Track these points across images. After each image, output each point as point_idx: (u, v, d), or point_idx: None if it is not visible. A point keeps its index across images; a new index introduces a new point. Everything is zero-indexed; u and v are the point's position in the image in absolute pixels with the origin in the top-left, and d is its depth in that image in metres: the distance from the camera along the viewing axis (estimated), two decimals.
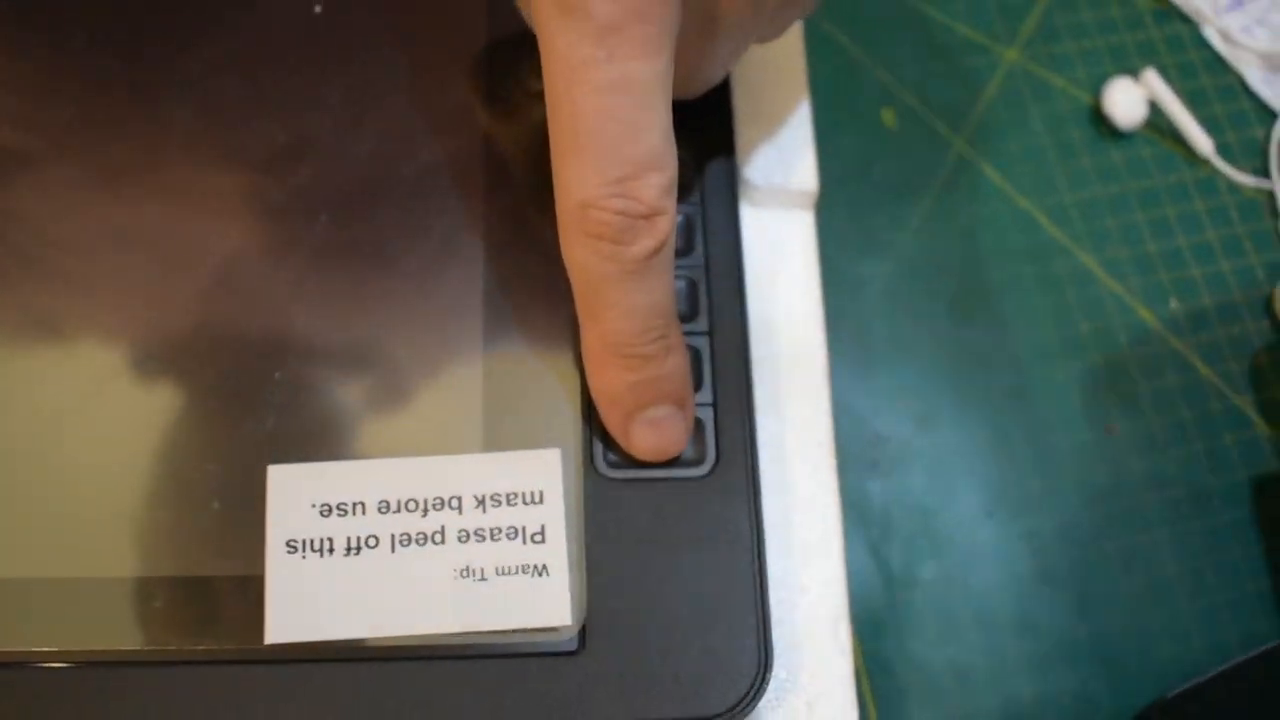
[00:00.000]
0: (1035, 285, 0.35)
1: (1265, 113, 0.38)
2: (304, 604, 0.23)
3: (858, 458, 0.33)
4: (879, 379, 0.34)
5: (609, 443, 0.25)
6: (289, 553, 0.24)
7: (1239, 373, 0.35)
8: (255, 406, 0.25)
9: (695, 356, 0.26)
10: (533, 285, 0.26)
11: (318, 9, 0.29)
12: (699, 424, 0.25)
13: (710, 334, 0.26)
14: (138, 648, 0.23)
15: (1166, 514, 0.33)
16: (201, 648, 0.23)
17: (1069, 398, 0.34)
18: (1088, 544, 0.32)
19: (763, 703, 0.24)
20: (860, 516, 0.32)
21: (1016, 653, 0.31)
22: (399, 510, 0.24)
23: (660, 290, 0.23)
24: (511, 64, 0.28)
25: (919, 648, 0.31)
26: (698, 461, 0.25)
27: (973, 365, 0.34)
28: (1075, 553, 0.32)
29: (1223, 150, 0.38)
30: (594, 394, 0.24)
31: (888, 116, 0.38)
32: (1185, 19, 0.40)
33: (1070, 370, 0.34)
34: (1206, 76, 0.39)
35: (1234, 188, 0.37)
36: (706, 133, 0.29)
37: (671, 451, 0.25)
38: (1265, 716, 0.30)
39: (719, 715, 0.23)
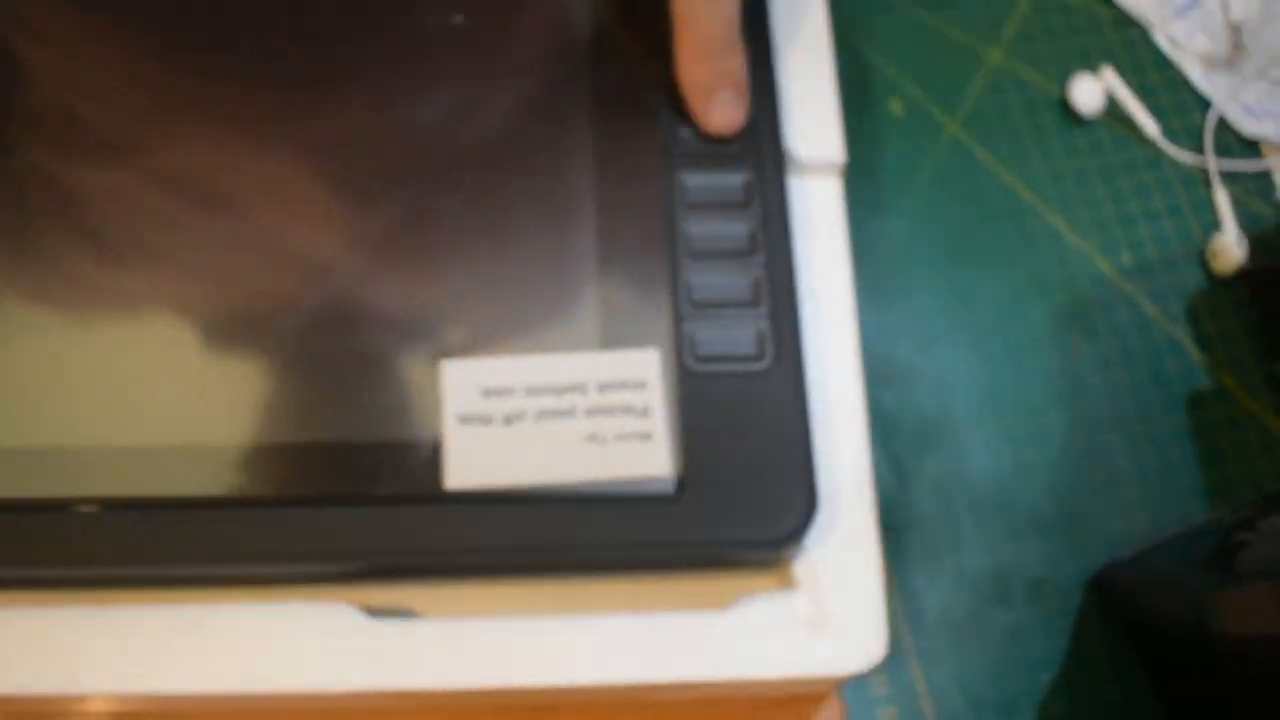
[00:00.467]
0: (1015, 240, 0.44)
1: (1203, 103, 0.47)
2: (472, 459, 0.31)
3: (873, 373, 0.41)
4: (890, 311, 0.42)
5: (694, 345, 0.33)
6: (460, 424, 0.32)
7: (1178, 310, 0.43)
8: (428, 317, 0.33)
9: (755, 283, 0.34)
10: (633, 222, 0.34)
11: (458, 19, 0.38)
12: (761, 329, 0.33)
13: (767, 267, 0.34)
14: (354, 490, 0.31)
15: (1118, 420, 0.41)
16: (398, 491, 0.31)
17: (1041, 329, 0.42)
18: (1056, 442, 0.41)
19: (811, 538, 0.32)
20: (875, 419, 0.40)
21: (999, 524, 0.39)
22: (541, 393, 0.32)
23: (735, 7, 0.34)
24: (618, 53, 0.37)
25: (921, 519, 0.39)
26: (759, 358, 0.33)
27: (965, 302, 0.42)
28: (1046, 449, 0.41)
29: (1168, 134, 0.46)
30: (685, 86, 0.35)
31: (895, 106, 0.46)
32: (1138, 25, 0.48)
33: (1042, 308, 0.43)
34: (1155, 73, 0.47)
35: (1176, 164, 0.46)
36: (759, 118, 0.37)
37: (736, 125, 0.35)
38: (1193, 576, 0.39)
39: (781, 539, 0.31)
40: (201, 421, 0.32)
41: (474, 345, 0.33)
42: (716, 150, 0.36)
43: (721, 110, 0.35)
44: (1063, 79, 0.46)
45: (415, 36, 0.37)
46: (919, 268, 0.43)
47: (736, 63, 0.35)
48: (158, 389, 0.32)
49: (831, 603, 0.32)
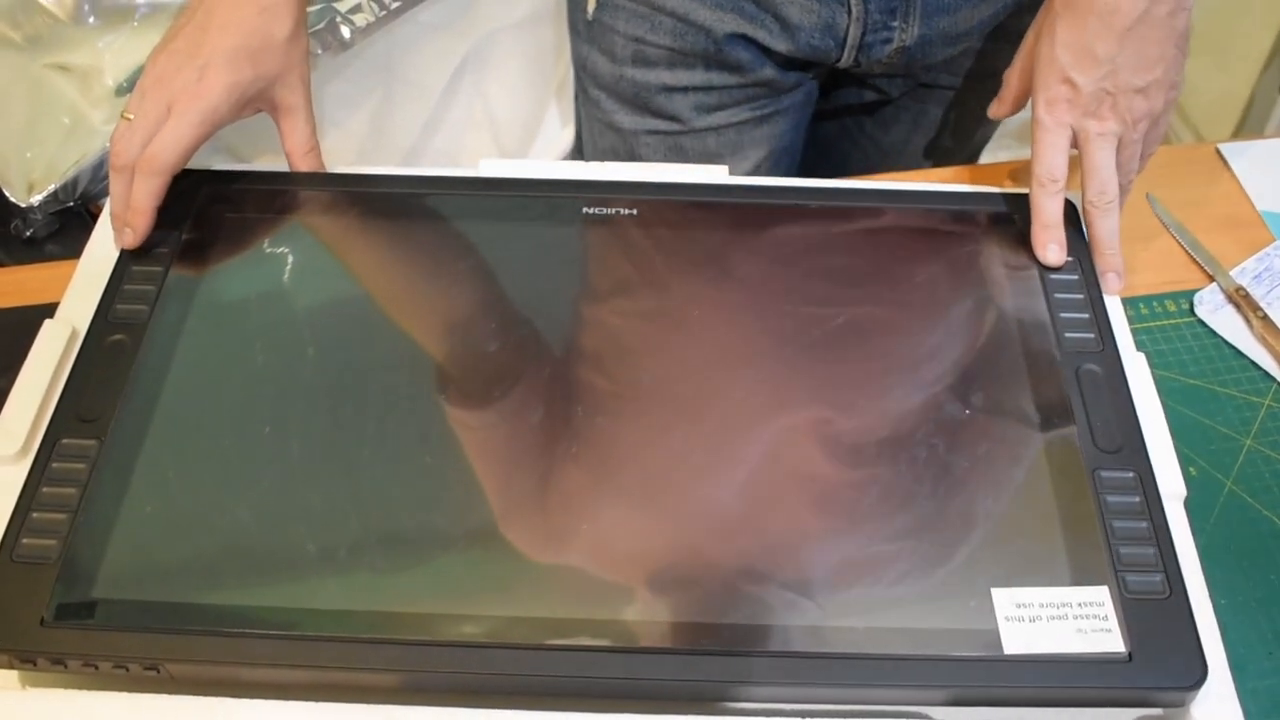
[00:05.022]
0: None
1: None
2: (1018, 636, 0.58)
3: None
4: None
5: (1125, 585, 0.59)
6: (1006, 621, 0.58)
7: None
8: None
9: (1157, 553, 0.59)
10: (1078, 511, 0.60)
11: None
12: (1163, 577, 0.58)
13: (1159, 544, 0.59)
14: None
15: None
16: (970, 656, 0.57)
17: None
18: None
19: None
20: None
21: None
22: (1049, 605, 0.59)
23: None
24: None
25: None
26: (1164, 594, 0.58)
27: None
28: None
29: None
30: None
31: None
32: None
33: None
34: None
35: None
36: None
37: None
38: None
39: (1194, 684, 0.54)
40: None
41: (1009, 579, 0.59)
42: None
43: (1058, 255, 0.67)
44: None
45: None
46: None
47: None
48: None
49: None
